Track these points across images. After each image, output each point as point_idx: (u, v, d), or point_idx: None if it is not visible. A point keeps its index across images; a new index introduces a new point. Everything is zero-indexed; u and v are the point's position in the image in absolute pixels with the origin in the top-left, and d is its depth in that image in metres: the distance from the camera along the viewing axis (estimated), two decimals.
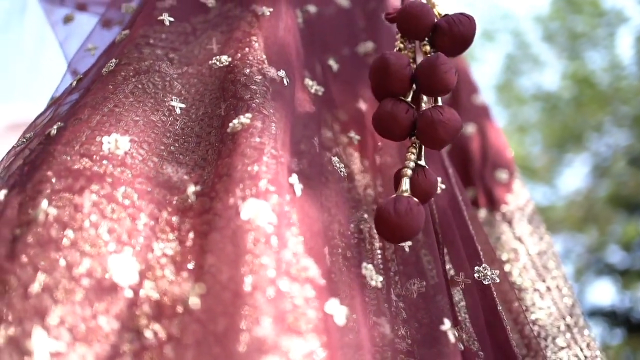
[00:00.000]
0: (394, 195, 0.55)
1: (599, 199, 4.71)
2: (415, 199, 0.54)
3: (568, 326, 0.74)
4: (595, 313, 4.23)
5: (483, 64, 5.68)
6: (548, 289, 0.78)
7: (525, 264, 0.81)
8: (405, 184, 0.56)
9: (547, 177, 5.21)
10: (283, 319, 0.40)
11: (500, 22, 5.49)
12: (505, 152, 0.96)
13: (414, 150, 0.58)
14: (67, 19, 0.90)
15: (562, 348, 0.71)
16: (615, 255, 4.54)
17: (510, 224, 0.86)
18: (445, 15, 0.61)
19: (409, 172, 0.57)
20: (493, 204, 0.89)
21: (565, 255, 4.87)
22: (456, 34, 0.59)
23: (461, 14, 0.60)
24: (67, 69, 0.79)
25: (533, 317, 0.75)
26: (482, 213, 0.89)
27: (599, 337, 4.21)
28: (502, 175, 0.92)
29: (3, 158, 0.57)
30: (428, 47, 0.61)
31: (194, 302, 0.41)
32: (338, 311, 0.44)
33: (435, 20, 0.61)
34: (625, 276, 4.26)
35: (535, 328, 0.74)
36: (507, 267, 0.80)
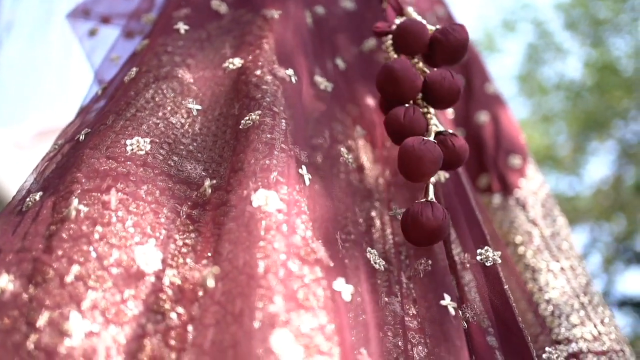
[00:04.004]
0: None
1: (626, 187, 4.63)
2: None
3: (582, 304, 0.76)
4: (625, 303, 4.16)
5: (505, 55, 5.63)
6: (562, 269, 0.80)
7: (539, 246, 0.83)
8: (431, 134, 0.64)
9: (573, 166, 5.14)
10: (294, 296, 0.43)
11: (521, 12, 5.44)
12: (518, 138, 0.98)
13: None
14: (92, 32, 0.95)
15: (576, 325, 0.73)
16: None
17: (524, 208, 0.88)
18: (437, 28, 0.67)
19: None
20: (507, 189, 0.91)
21: (593, 245, 4.81)
22: (453, 43, 0.66)
23: (452, 23, 0.68)
24: (93, 78, 0.85)
25: (547, 296, 0.77)
26: (497, 198, 0.91)
27: (629, 327, 4.14)
28: (515, 160, 0.94)
29: (38, 164, 0.61)
30: (421, 64, 0.68)
31: (211, 283, 0.45)
32: (345, 288, 0.47)
33: (430, 34, 0.67)
34: None
35: (550, 307, 0.76)
36: (521, 249, 0.83)
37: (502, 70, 5.66)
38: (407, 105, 0.64)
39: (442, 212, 0.58)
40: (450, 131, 0.65)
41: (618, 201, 4.64)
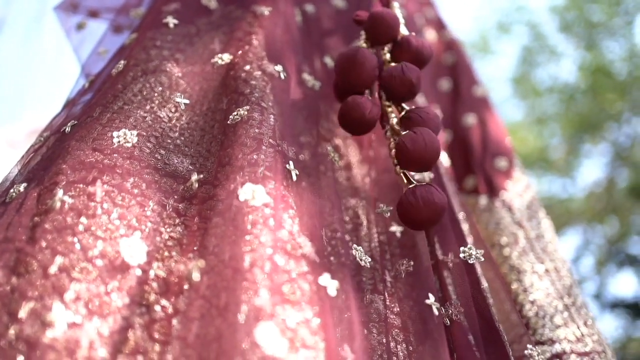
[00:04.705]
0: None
1: (619, 190, 4.68)
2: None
3: (566, 305, 0.77)
4: (617, 305, 4.20)
5: (499, 57, 5.65)
6: (547, 271, 0.81)
7: (524, 248, 0.84)
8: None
9: (566, 168, 5.18)
10: (279, 290, 0.44)
11: (516, 14, 5.47)
12: (505, 141, 0.99)
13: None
14: (80, 26, 0.95)
15: (559, 326, 0.74)
16: (636, 246, 4.50)
17: (510, 210, 0.89)
18: (412, 33, 0.68)
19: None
20: (493, 191, 0.93)
21: (586, 247, 4.85)
22: (419, 53, 0.67)
23: (423, 40, 0.68)
24: (80, 72, 0.84)
25: (531, 297, 0.78)
26: (483, 200, 0.92)
27: (621, 329, 4.18)
28: (502, 163, 0.95)
29: (22, 156, 0.61)
30: (388, 56, 0.68)
31: (196, 277, 0.45)
32: (330, 284, 0.48)
33: (400, 34, 0.68)
34: None
35: (534, 308, 0.77)
36: (506, 251, 0.84)
37: (496, 72, 5.70)
38: (368, 96, 0.65)
39: (441, 189, 0.59)
40: (410, 108, 0.65)
41: (611, 204, 4.69)
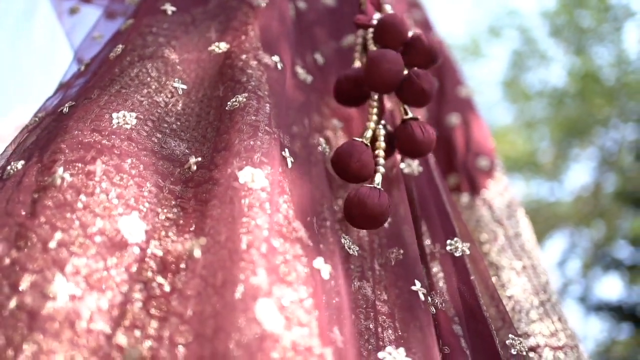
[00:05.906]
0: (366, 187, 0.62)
1: (605, 194, 4.74)
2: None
3: (541, 301, 0.80)
4: (602, 308, 4.25)
5: (490, 60, 5.69)
6: (524, 267, 0.84)
7: (503, 245, 0.87)
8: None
9: (554, 172, 5.24)
10: (276, 270, 0.46)
11: (507, 18, 5.51)
12: (487, 141, 1.02)
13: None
14: (73, 10, 0.95)
15: (534, 321, 0.77)
16: (622, 251, 4.56)
17: (490, 208, 0.92)
18: (421, 33, 0.70)
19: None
20: (474, 189, 0.95)
21: (572, 250, 4.91)
22: (431, 51, 0.69)
23: (429, 36, 0.70)
24: (73, 57, 0.85)
25: (509, 292, 0.81)
26: (465, 198, 0.95)
27: (605, 332, 4.24)
28: (484, 162, 0.98)
29: (16, 135, 0.62)
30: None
31: (197, 253, 0.47)
32: (324, 267, 0.50)
33: (410, 35, 0.70)
34: (632, 271, 4.28)
35: (511, 303, 0.80)
36: (486, 247, 0.87)
37: (487, 75, 5.74)
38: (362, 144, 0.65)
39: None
40: (412, 116, 0.67)
41: (598, 208, 4.75)
